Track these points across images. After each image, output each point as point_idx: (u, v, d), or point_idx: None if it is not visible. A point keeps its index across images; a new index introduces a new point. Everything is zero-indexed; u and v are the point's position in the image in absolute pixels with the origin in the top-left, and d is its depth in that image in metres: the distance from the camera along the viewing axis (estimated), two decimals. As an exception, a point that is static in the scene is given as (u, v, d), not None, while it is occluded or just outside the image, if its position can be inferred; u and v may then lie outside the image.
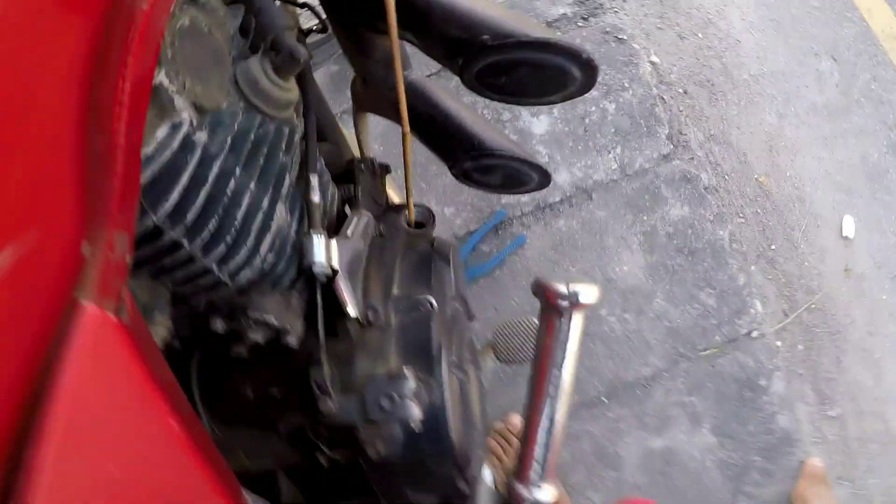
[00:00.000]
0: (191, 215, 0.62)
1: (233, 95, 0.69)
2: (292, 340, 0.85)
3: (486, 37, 0.76)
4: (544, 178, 1.03)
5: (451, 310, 0.98)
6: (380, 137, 2.23)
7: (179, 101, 0.59)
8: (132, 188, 0.42)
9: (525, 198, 2.18)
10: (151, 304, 0.72)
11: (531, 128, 2.24)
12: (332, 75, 2.36)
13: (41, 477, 0.35)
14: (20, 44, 0.33)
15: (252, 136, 0.70)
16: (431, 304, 0.93)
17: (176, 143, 0.58)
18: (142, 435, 0.40)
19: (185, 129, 0.59)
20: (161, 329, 0.73)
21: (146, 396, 0.40)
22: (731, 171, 2.26)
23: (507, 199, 2.18)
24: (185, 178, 0.60)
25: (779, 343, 2.11)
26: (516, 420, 1.96)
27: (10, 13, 0.32)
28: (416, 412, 0.79)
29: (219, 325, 0.82)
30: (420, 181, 2.22)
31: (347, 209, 1.07)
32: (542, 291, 0.48)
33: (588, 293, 0.48)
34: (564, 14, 2.36)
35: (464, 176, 1.05)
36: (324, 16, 0.99)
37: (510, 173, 1.01)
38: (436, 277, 0.98)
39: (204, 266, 0.68)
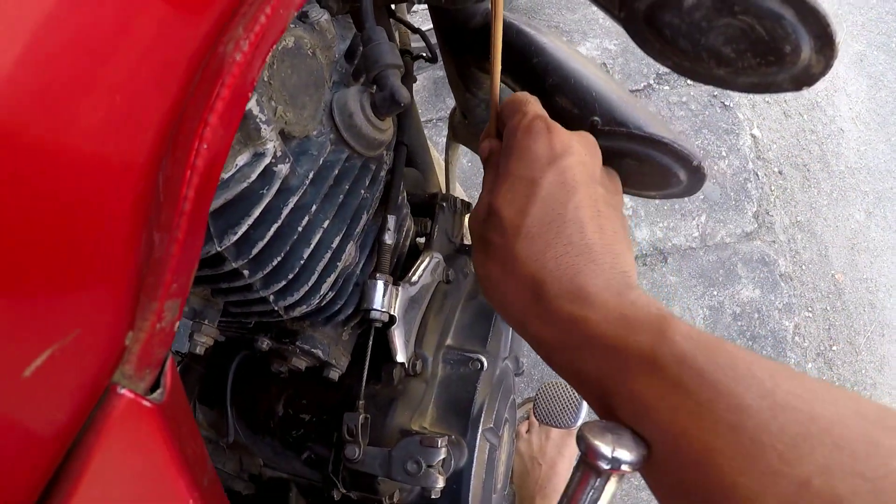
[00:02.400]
0: (256, 249, 0.59)
1: (324, 125, 0.65)
2: (335, 375, 0.82)
3: (596, 119, 0.70)
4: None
5: (500, 370, 0.93)
6: (469, 153, 2.19)
7: (266, 131, 0.55)
8: (192, 253, 0.38)
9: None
10: (203, 312, 0.70)
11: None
12: (436, 80, 2.34)
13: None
14: (76, 118, 0.29)
15: (336, 171, 0.66)
16: (482, 364, 0.89)
17: (255, 174, 0.55)
18: None
19: (268, 159, 0.56)
20: (207, 338, 0.70)
21: (167, 479, 0.38)
22: (810, 262, 2.18)
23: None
24: (257, 211, 0.56)
25: None
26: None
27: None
28: (439, 483, 0.75)
29: (265, 344, 0.79)
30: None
31: (421, 241, 1.03)
32: (583, 443, 0.43)
33: (634, 457, 0.43)
34: None
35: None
36: (434, 44, 0.95)
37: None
38: (493, 335, 0.94)
39: (261, 296, 0.64)
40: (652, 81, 2.27)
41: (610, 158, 0.72)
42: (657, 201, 2.12)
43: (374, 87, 0.67)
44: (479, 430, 0.84)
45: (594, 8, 0.68)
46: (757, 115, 2.30)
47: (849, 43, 2.60)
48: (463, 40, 0.88)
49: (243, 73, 0.39)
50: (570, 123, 0.71)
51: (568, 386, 1.30)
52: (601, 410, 0.50)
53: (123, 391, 0.36)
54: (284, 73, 0.58)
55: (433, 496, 0.78)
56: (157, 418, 0.37)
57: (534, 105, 0.66)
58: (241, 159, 0.54)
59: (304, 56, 0.60)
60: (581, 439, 0.43)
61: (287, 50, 0.58)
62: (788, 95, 2.32)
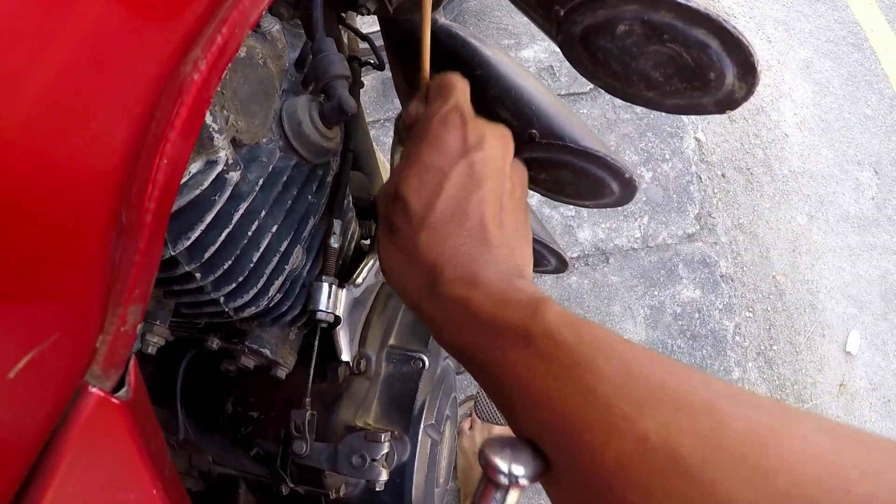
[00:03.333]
0: (208, 253, 0.62)
1: (274, 132, 0.69)
2: (282, 373, 0.86)
3: (534, 131, 0.75)
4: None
5: (441, 368, 0.98)
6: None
7: (219, 140, 0.58)
8: (153, 259, 0.42)
9: (543, 247, 2.15)
10: (154, 313, 0.73)
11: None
12: (385, 80, 2.37)
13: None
14: (51, 156, 0.33)
15: (284, 178, 0.70)
16: (423, 363, 0.93)
17: (208, 181, 0.58)
18: (125, 502, 0.42)
19: (219, 167, 0.59)
20: (159, 338, 0.73)
21: (134, 470, 0.42)
22: (751, 264, 2.25)
23: (525, 243, 2.15)
24: (209, 217, 0.60)
25: None
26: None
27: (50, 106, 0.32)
28: (382, 476, 0.79)
29: (214, 344, 0.82)
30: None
31: (366, 243, 1.07)
32: (483, 459, 0.47)
33: (530, 472, 0.48)
34: None
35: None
36: (381, 48, 0.98)
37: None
38: (434, 334, 0.98)
39: (212, 298, 0.68)
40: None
41: (546, 169, 0.77)
42: None
43: (323, 96, 0.71)
44: (421, 426, 0.88)
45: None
46: (702, 118, 2.36)
47: (796, 49, 2.68)
48: (410, 49, 0.92)
49: (200, 91, 0.42)
50: (512, 135, 0.75)
51: None
52: (483, 384, 0.55)
53: (94, 390, 0.39)
54: (237, 83, 0.61)
55: (377, 489, 0.82)
56: (125, 415, 0.41)
57: (458, 93, 0.67)
58: (195, 167, 0.58)
59: (255, 66, 0.64)
60: (482, 455, 0.47)
61: (239, 60, 0.61)
62: (733, 100, 2.38)
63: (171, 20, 0.40)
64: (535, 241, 0.98)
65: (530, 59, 2.39)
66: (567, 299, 2.13)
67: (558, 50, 0.69)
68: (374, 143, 1.30)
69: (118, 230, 0.38)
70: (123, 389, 0.42)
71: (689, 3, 0.56)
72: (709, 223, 2.23)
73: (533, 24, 0.73)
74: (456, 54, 0.82)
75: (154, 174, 0.39)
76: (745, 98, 0.62)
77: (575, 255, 2.17)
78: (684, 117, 2.29)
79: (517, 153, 0.71)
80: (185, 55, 0.42)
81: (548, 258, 1.01)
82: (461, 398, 1.66)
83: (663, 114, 2.23)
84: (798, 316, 2.25)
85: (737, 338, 2.14)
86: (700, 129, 2.35)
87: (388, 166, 1.34)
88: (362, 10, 0.77)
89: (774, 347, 2.19)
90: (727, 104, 0.63)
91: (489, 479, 0.46)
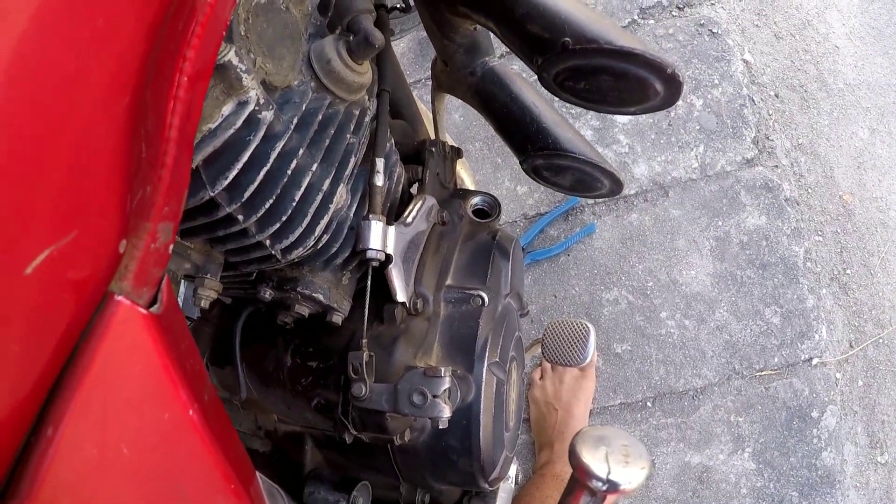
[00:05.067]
0: (248, 192, 0.63)
1: (304, 74, 0.70)
2: (338, 319, 0.87)
3: (567, 39, 0.75)
4: (616, 187, 1.02)
5: (502, 307, 0.98)
6: (461, 108, 2.23)
7: (248, 80, 0.60)
8: (181, 179, 0.43)
9: (600, 186, 2.14)
10: (205, 267, 0.74)
11: (615, 116, 2.20)
12: (421, 41, 2.36)
13: (55, 450, 0.39)
14: (65, 37, 0.33)
15: (320, 117, 0.71)
16: (483, 300, 0.94)
17: (240, 121, 0.60)
18: (157, 420, 0.43)
19: (251, 107, 0.61)
20: (210, 291, 0.75)
21: (165, 386, 0.43)
22: (815, 185, 2.20)
23: (580, 185, 2.14)
24: (245, 156, 0.61)
25: (839, 375, 2.04)
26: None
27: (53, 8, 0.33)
28: (445, 413, 0.80)
29: (267, 294, 0.84)
30: (497, 156, 2.22)
31: (414, 189, 1.08)
32: (575, 463, 0.43)
33: (631, 478, 0.43)
34: (659, 2, 2.30)
35: (534, 172, 1.04)
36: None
37: (581, 177, 1.01)
38: (493, 272, 0.99)
39: (257, 240, 0.69)
40: (636, 17, 2.29)
41: (586, 76, 0.77)
42: (653, 136, 2.15)
43: (350, 34, 0.72)
44: (485, 365, 0.89)
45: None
46: (747, 39, 2.30)
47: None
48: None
49: (216, 12, 0.43)
50: (543, 49, 0.76)
51: (574, 323, 1.35)
52: None
53: (121, 298, 0.41)
54: (260, 27, 0.63)
55: (441, 426, 0.83)
56: (155, 327, 0.42)
57: None
58: (227, 109, 0.59)
59: (277, 10, 0.66)
60: (573, 452, 0.43)
61: (260, 6, 0.63)
62: (778, 16, 2.33)
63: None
64: (587, 163, 0.98)
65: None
66: (630, 237, 2.11)
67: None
68: (413, 94, 1.31)
69: (141, 134, 0.39)
70: (155, 306, 0.44)
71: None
72: (767, 146, 2.18)
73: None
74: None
75: (175, 90, 0.40)
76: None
77: (633, 191, 2.14)
78: (729, 40, 2.24)
79: (553, 65, 0.73)
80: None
81: (601, 180, 1.01)
82: (527, 343, 1.66)
83: (706, 39, 2.23)
84: (870, 236, 2.19)
85: (808, 264, 2.09)
86: (747, 49, 2.29)
87: (430, 116, 1.35)
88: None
89: (848, 272, 2.14)
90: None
91: (582, 484, 0.41)
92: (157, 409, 0.43)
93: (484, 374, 0.88)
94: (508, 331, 0.98)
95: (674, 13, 2.30)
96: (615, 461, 0.50)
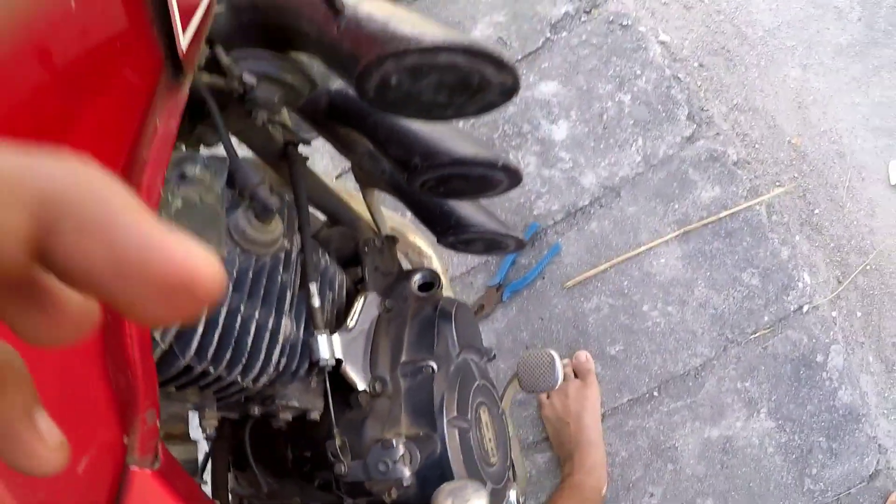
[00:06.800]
0: (210, 351, 0.91)
1: (230, 244, 0.98)
2: (315, 415, 1.17)
3: (416, 160, 1.04)
4: (518, 243, 1.35)
5: (455, 366, 1.27)
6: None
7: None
8: (151, 381, 0.70)
9: (555, 205, 2.34)
10: (202, 403, 1.02)
11: (552, 135, 2.39)
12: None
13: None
14: None
15: (251, 274, 0.99)
16: (433, 368, 1.23)
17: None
18: None
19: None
20: (212, 420, 1.03)
21: None
22: (761, 139, 2.36)
23: (537, 210, 2.35)
24: (200, 328, 0.90)
25: (834, 313, 2.23)
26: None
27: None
28: (405, 473, 1.11)
29: (255, 410, 1.13)
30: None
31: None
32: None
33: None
34: (567, 12, 2.47)
35: (450, 247, 1.37)
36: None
37: (488, 243, 1.34)
38: (439, 340, 1.28)
39: (230, 380, 0.98)
40: (548, 34, 2.47)
41: (443, 183, 1.07)
42: (592, 143, 2.32)
43: (253, 202, 1.01)
44: (444, 421, 1.18)
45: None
46: (658, 20, 2.49)
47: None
48: (320, 119, 1.23)
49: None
50: (405, 167, 1.06)
51: (539, 353, 1.59)
52: None
53: (134, 467, 0.67)
54: (185, 226, 0.90)
55: (405, 485, 1.13)
56: (160, 479, 0.68)
57: None
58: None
59: (193, 206, 0.92)
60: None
61: (179, 210, 0.91)
62: (684, -13, 2.48)
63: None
64: (487, 232, 1.29)
65: (477, 37, 2.52)
66: (595, 245, 2.30)
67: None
68: (345, 193, 1.58)
69: (114, 367, 0.68)
70: (156, 464, 0.70)
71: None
72: (704, 118, 2.35)
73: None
74: (348, 114, 1.13)
75: (131, 351, 0.69)
76: (516, 85, 0.85)
77: (587, 201, 2.34)
78: (641, 27, 2.43)
79: (413, 180, 1.02)
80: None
81: (505, 241, 1.32)
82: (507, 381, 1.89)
83: (619, 34, 2.43)
84: (829, 170, 2.34)
85: (773, 217, 2.26)
86: (660, 30, 2.47)
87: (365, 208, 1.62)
88: (258, 120, 1.07)
89: (816, 211, 2.30)
90: (509, 92, 0.86)
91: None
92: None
93: (446, 429, 1.17)
94: (465, 384, 1.26)
95: (582, 19, 2.48)
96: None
